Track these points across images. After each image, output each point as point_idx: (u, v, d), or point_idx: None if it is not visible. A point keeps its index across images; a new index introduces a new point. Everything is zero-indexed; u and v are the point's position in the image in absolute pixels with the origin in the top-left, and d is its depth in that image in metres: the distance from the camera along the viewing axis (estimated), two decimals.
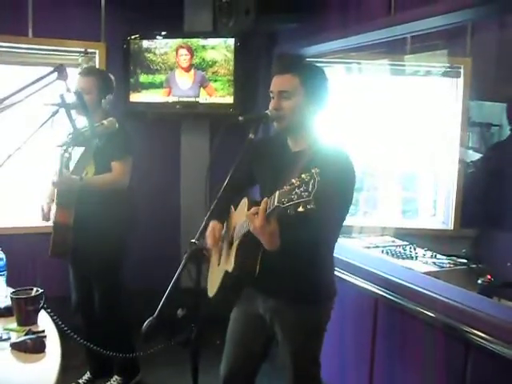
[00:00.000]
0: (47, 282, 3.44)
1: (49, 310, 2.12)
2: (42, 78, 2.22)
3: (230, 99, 3.68)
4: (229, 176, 1.98)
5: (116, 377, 3.31)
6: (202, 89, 3.73)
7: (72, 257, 3.14)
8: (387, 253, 3.14)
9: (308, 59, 3.58)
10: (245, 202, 2.18)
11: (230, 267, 2.13)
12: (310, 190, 1.66)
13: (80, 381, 3.36)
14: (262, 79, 3.73)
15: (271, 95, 2.12)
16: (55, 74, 2.26)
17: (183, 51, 3.72)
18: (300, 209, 1.69)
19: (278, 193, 1.77)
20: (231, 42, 3.64)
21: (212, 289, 2.32)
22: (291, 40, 3.45)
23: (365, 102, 4.23)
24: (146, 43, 3.75)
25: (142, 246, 3.42)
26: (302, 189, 1.68)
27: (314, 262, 2.15)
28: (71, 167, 2.97)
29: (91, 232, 2.97)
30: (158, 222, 3.56)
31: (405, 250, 3.23)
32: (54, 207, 3.03)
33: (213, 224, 2.24)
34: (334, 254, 2.92)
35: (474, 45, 3.70)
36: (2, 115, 2.15)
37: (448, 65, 4.00)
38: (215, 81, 3.70)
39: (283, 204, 1.73)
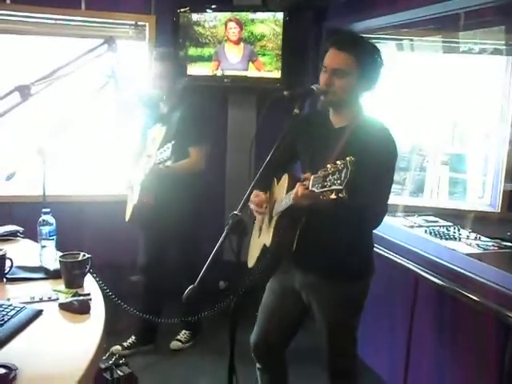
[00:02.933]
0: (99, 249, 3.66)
1: (94, 275, 2.22)
2: (92, 49, 2.26)
3: (277, 74, 3.68)
4: (272, 150, 1.99)
5: (184, 331, 3.59)
6: (250, 63, 3.73)
7: (149, 225, 3.38)
8: (430, 233, 3.11)
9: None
10: (286, 177, 2.19)
11: (268, 241, 2.18)
12: (342, 178, 1.66)
13: (124, 343, 3.52)
14: (311, 54, 3.72)
15: (323, 69, 2.10)
16: (105, 46, 2.30)
17: (232, 24, 3.72)
18: (332, 196, 1.70)
19: (312, 177, 1.80)
20: (280, 16, 3.61)
21: (252, 260, 2.37)
22: (340, 15, 3.41)
23: (415, 80, 4.15)
24: (195, 16, 3.76)
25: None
26: (335, 176, 1.69)
27: (353, 238, 2.16)
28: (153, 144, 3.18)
29: (169, 210, 3.19)
30: (204, 195, 3.61)
31: (448, 231, 3.19)
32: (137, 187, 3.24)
33: (256, 192, 2.26)
34: (377, 232, 2.94)
35: None
36: (53, 86, 2.20)
37: (503, 42, 3.87)
38: (263, 55, 3.69)
39: (317, 189, 1.75)
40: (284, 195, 2.12)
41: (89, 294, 1.98)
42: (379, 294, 3.07)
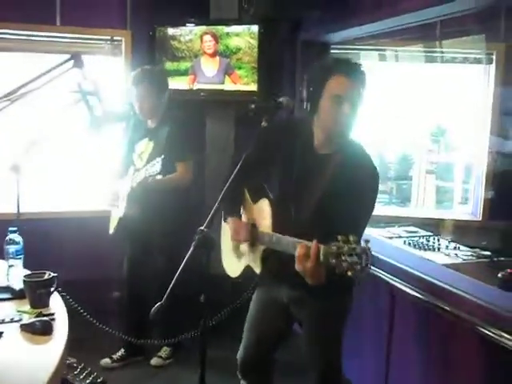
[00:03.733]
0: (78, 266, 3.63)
1: (64, 293, 2.19)
2: (57, 65, 2.24)
3: (254, 86, 3.66)
4: (240, 164, 1.95)
5: (166, 347, 3.52)
6: (226, 76, 3.72)
7: (134, 238, 3.40)
8: (409, 244, 3.07)
9: (333, 46, 3.56)
10: (266, 203, 2.16)
11: (256, 268, 2.17)
12: (363, 264, 1.60)
13: (114, 356, 3.48)
14: (287, 66, 3.71)
15: (336, 99, 1.98)
16: (71, 62, 2.28)
17: (208, 37, 3.71)
18: (349, 273, 1.63)
19: (323, 249, 1.72)
20: (255, 28, 3.60)
21: (233, 272, 2.36)
22: (316, 26, 3.41)
23: (398, 90, 4.16)
24: (171, 30, 3.75)
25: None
26: (353, 259, 1.62)
27: None
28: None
29: (156, 219, 3.22)
30: (189, 208, 3.61)
31: (428, 241, 3.16)
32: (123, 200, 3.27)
33: (235, 221, 2.25)
34: None
35: (507, 29, 3.56)
36: (19, 103, 2.18)
37: (482, 51, 3.88)
38: (240, 68, 3.68)
39: (334, 264, 1.67)
40: (268, 227, 2.10)
41: (53, 314, 1.95)
42: (357, 306, 3.04)
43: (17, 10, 3.52)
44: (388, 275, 2.71)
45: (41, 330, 1.79)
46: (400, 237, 3.25)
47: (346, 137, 2.08)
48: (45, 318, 1.85)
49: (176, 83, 3.77)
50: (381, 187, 3.97)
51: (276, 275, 2.19)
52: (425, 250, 3.01)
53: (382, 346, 2.83)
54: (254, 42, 3.60)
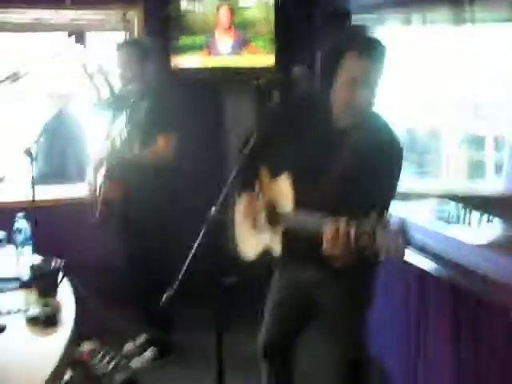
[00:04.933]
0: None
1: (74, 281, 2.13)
2: (60, 43, 2.15)
3: (271, 60, 3.50)
4: (253, 142, 1.83)
5: (153, 347, 3.33)
6: (242, 50, 3.58)
7: (123, 225, 3.25)
8: (439, 218, 2.94)
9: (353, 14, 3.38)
10: (285, 181, 2.01)
11: (276, 249, 2.04)
12: (398, 247, 1.48)
13: (136, 341, 3.41)
14: (304, 37, 3.54)
15: (349, 80, 1.86)
16: (73, 38, 2.19)
17: (224, 10, 3.58)
18: (381, 256, 1.52)
19: (355, 227, 1.59)
20: (271, 0, 3.45)
21: (249, 252, 2.22)
22: None
23: (427, 57, 3.95)
24: (185, 4, 3.62)
25: (183, 214, 3.37)
26: (388, 239, 1.49)
27: None
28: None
29: (139, 205, 3.06)
30: (201, 191, 3.51)
31: (459, 215, 3.01)
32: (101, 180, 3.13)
33: (248, 197, 2.15)
34: None
35: None
36: (22, 81, 2.11)
37: None
38: (256, 40, 3.53)
39: (362, 243, 1.57)
40: (289, 205, 1.96)
41: (59, 304, 1.88)
42: (385, 285, 2.92)
43: None
44: (415, 253, 2.58)
45: (45, 321, 1.73)
46: (429, 211, 3.11)
47: (364, 114, 1.93)
48: (49, 309, 1.77)
49: (191, 58, 3.65)
50: (410, 159, 3.81)
51: (299, 256, 2.07)
52: (455, 223, 2.87)
53: (410, 327, 2.71)
54: (271, 13, 3.45)
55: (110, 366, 3.04)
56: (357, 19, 3.47)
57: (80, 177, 3.72)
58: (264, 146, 2.14)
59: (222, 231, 1.85)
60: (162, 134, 3.00)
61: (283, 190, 2.02)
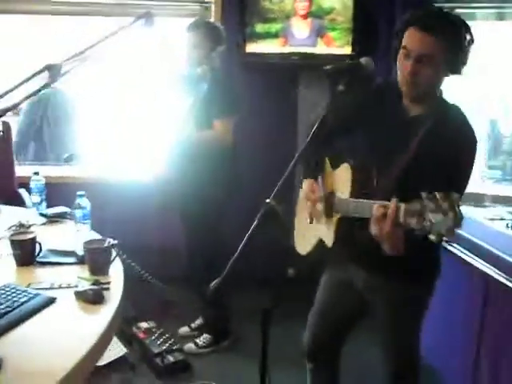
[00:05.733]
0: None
1: (129, 261, 2.15)
2: (127, 26, 2.16)
3: (348, 49, 3.41)
4: (316, 126, 1.77)
5: (206, 335, 3.33)
6: (319, 38, 3.49)
7: (180, 208, 3.22)
8: None
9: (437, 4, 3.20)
10: (347, 169, 1.93)
11: (328, 240, 1.97)
12: (450, 225, 1.37)
13: (192, 325, 3.48)
14: (383, 28, 3.41)
15: (404, 52, 1.79)
16: (141, 21, 2.18)
17: None
18: (431, 237, 1.42)
19: (404, 207, 1.51)
20: None
21: (303, 247, 2.17)
22: None
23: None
24: None
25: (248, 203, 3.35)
26: (438, 217, 1.39)
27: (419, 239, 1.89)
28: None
29: (193, 192, 3.04)
30: (271, 179, 3.47)
31: None
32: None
33: (309, 183, 2.07)
34: None
35: None
36: (91, 64, 2.13)
37: None
38: (333, 30, 3.44)
39: (414, 226, 1.47)
40: (347, 193, 1.88)
41: (109, 283, 1.90)
42: (447, 293, 2.78)
43: None
44: (482, 262, 2.43)
45: (92, 298, 1.75)
46: (503, 219, 2.90)
47: (422, 92, 1.83)
48: (97, 287, 1.79)
49: (267, 46, 3.61)
50: (494, 162, 3.59)
51: (351, 254, 2.00)
52: None
53: (472, 336, 2.56)
54: (349, 1, 3.33)
55: (164, 347, 3.09)
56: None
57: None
58: (329, 133, 2.09)
59: (279, 222, 1.79)
60: (219, 118, 2.95)
61: (343, 179, 1.94)
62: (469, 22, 1.80)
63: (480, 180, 4.10)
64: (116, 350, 3.09)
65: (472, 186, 3.40)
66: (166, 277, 3.23)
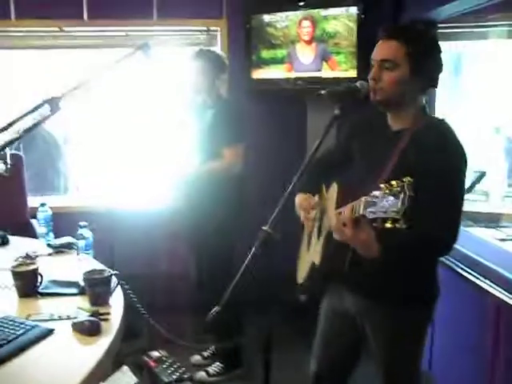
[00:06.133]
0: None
1: (129, 291, 2.14)
2: (125, 57, 2.19)
3: (353, 73, 3.39)
4: (313, 150, 1.80)
5: (218, 363, 3.29)
6: (324, 63, 3.50)
7: (190, 240, 3.23)
8: None
9: (440, 25, 3.19)
10: (335, 187, 1.94)
11: (316, 259, 1.95)
12: (398, 206, 1.40)
13: (204, 353, 3.44)
14: None
15: (372, 63, 1.87)
16: (140, 52, 2.21)
17: (306, 23, 3.51)
18: (387, 225, 1.43)
19: (363, 200, 1.53)
20: (354, 10, 3.34)
21: (300, 275, 2.15)
22: (420, 3, 3.07)
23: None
24: (267, 17, 3.60)
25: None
26: (389, 202, 1.42)
27: (413, 261, 1.85)
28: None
29: (204, 220, 3.04)
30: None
31: None
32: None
33: (304, 195, 2.06)
34: (456, 245, 2.57)
35: None
36: (88, 96, 2.17)
37: None
38: (337, 53, 3.43)
39: (369, 215, 1.49)
40: (333, 210, 1.88)
41: (108, 314, 1.90)
42: (457, 317, 2.71)
43: (112, 7, 3.60)
44: (493, 284, 2.36)
45: (87, 329, 1.74)
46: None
47: (394, 105, 1.87)
48: (93, 319, 1.79)
49: (273, 72, 3.63)
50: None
51: (343, 278, 1.95)
52: None
53: (484, 362, 2.48)
54: (353, 25, 3.34)
55: (175, 376, 3.06)
56: (445, 31, 3.30)
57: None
58: (337, 151, 2.11)
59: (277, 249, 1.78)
60: (228, 146, 2.96)
61: (331, 196, 1.93)
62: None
63: (500, 199, 4.02)
64: (127, 379, 3.07)
65: (491, 206, 3.38)
66: (175, 305, 3.22)
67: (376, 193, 1.45)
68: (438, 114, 3.44)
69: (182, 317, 3.39)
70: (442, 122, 1.91)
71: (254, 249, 1.70)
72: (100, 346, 1.69)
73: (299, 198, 2.06)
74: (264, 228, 1.72)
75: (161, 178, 3.42)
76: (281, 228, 1.94)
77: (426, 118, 1.89)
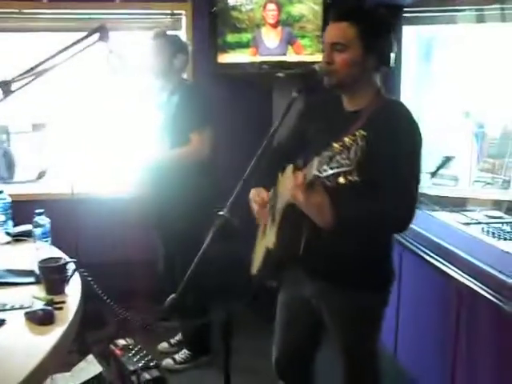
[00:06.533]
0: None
1: (90, 279, 2.10)
2: (82, 39, 2.14)
3: (319, 57, 3.36)
4: (268, 136, 1.79)
5: (185, 351, 3.27)
6: (289, 46, 3.47)
7: (158, 227, 3.18)
8: (487, 232, 2.69)
9: (406, 9, 3.19)
10: (290, 168, 1.91)
11: (270, 243, 1.93)
12: (351, 157, 1.41)
13: (172, 340, 3.42)
14: None
15: (323, 46, 1.87)
16: (96, 35, 2.16)
17: (271, 6, 3.47)
18: (341, 180, 1.44)
19: (316, 160, 1.53)
20: None
21: (255, 265, 2.12)
22: None
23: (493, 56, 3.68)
24: (232, 1, 3.54)
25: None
26: (343, 155, 1.43)
27: (369, 240, 1.86)
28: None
29: (173, 206, 2.99)
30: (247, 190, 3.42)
31: None
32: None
33: (258, 189, 2.03)
34: (419, 229, 2.58)
35: None
36: (44, 78, 2.11)
37: None
38: (303, 37, 3.41)
39: (321, 173, 1.50)
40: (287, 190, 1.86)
41: (64, 302, 1.86)
42: (419, 301, 2.74)
43: None
44: (454, 268, 2.37)
45: (39, 319, 1.70)
46: (479, 223, 2.86)
47: (349, 87, 1.87)
48: (47, 308, 1.75)
49: (238, 56, 3.59)
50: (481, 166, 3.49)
51: (294, 259, 1.92)
52: (505, 239, 2.61)
53: (448, 345, 2.50)
54: (318, 8, 3.32)
55: (140, 364, 3.03)
56: (411, 15, 3.30)
57: None
58: (293, 136, 2.11)
59: (234, 234, 1.75)
60: (194, 131, 2.92)
61: (286, 178, 1.91)
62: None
63: (470, 184, 4.06)
64: (92, 368, 3.04)
65: (460, 191, 3.39)
66: (142, 292, 3.18)
67: (328, 152, 1.47)
68: (405, 99, 3.45)
69: (149, 304, 3.34)
70: (398, 102, 1.92)
71: (211, 234, 1.69)
72: (53, 335, 1.65)
73: (253, 193, 2.03)
74: (221, 213, 1.70)
75: (127, 164, 3.34)
76: (241, 213, 1.94)
77: (383, 99, 1.89)
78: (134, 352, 3.14)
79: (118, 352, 3.17)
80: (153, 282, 3.34)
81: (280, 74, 1.90)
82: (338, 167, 1.43)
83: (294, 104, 1.83)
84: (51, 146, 3.68)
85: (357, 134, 1.43)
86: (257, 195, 2.01)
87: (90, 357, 3.12)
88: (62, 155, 3.03)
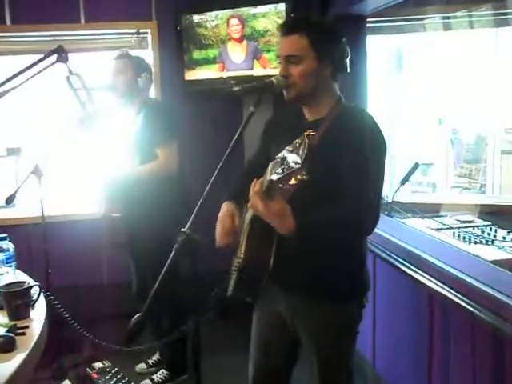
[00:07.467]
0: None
1: (55, 303, 2.07)
2: (40, 61, 2.12)
3: None
4: (227, 153, 1.80)
5: (163, 371, 3.21)
6: (255, 61, 3.47)
7: (128, 245, 3.15)
8: (458, 236, 2.70)
9: (370, 19, 3.22)
10: (254, 183, 1.91)
11: (239, 259, 1.91)
12: (300, 154, 1.45)
13: (149, 361, 3.36)
14: None
15: (278, 60, 1.87)
16: (54, 56, 2.15)
17: (234, 21, 3.48)
18: (292, 181, 1.46)
19: (270, 165, 1.56)
20: (282, 7, 3.32)
21: (230, 284, 2.09)
22: None
23: (460, 62, 3.72)
24: (196, 17, 3.55)
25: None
26: (292, 156, 1.48)
27: (341, 248, 1.83)
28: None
29: (142, 224, 2.93)
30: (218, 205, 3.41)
31: (482, 233, 2.77)
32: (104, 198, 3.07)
33: (226, 206, 2.00)
34: (390, 237, 2.57)
35: None
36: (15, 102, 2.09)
37: None
38: (268, 51, 3.41)
39: (275, 177, 1.51)
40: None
41: (27, 327, 1.82)
42: (392, 310, 2.73)
43: (38, 11, 3.49)
44: (425, 275, 2.36)
45: (1, 346, 1.66)
46: (450, 228, 2.87)
47: (308, 98, 1.86)
48: (8, 334, 1.71)
49: (206, 72, 3.59)
50: (458, 171, 3.50)
51: (266, 273, 1.86)
52: (476, 243, 2.62)
53: (423, 352, 2.48)
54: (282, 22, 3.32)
55: None
56: (374, 25, 3.34)
57: None
58: (253, 160, 2.10)
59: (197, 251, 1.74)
60: (161, 146, 2.90)
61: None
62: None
63: (448, 190, 4.08)
64: None
65: (437, 197, 3.40)
66: (116, 314, 3.13)
67: (279, 154, 1.50)
68: (377, 108, 3.48)
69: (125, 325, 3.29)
70: (359, 108, 1.92)
71: (173, 252, 1.68)
72: (14, 361, 1.61)
73: (223, 212, 2.00)
74: (183, 230, 1.69)
75: (96, 184, 3.31)
76: (206, 228, 1.91)
77: (343, 106, 1.89)
78: (110, 375, 3.10)
79: (94, 376, 3.13)
80: (127, 303, 3.28)
81: (235, 89, 1.89)
82: (288, 168, 1.45)
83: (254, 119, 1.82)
84: (24, 171, 3.66)
85: (304, 133, 1.44)
86: (226, 218, 1.97)
87: (66, 382, 3.07)
88: (32, 179, 2.97)
